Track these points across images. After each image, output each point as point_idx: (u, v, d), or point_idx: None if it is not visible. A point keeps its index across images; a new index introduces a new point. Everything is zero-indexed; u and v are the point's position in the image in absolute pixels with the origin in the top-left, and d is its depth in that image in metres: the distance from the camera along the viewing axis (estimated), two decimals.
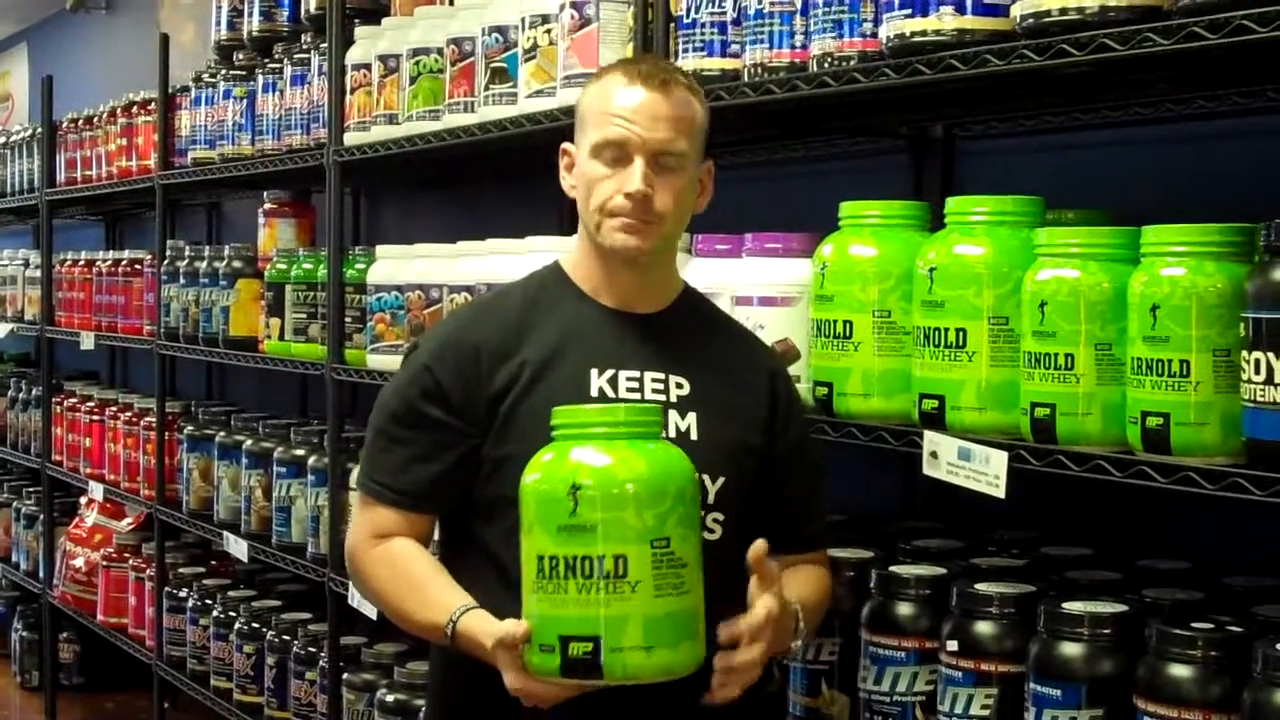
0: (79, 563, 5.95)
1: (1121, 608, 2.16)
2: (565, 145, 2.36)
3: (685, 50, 2.75)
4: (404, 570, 2.27)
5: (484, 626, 2.10)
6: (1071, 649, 2.11)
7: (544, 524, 1.99)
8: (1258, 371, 1.85)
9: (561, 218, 3.75)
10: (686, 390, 2.28)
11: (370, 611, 3.73)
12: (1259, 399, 1.85)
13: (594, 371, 2.25)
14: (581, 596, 1.95)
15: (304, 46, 4.36)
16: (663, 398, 2.26)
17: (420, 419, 2.28)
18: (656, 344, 2.31)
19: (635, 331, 2.31)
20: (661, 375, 2.28)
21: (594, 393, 2.24)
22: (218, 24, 5.03)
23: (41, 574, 6.43)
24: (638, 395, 2.25)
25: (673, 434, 2.23)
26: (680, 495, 2.00)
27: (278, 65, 4.48)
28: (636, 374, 2.27)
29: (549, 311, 2.31)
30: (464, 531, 2.30)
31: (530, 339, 2.28)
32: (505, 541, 2.13)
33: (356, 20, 4.07)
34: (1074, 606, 2.15)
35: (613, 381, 2.25)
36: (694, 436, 2.25)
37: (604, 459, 1.99)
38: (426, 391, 2.27)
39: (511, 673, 2.04)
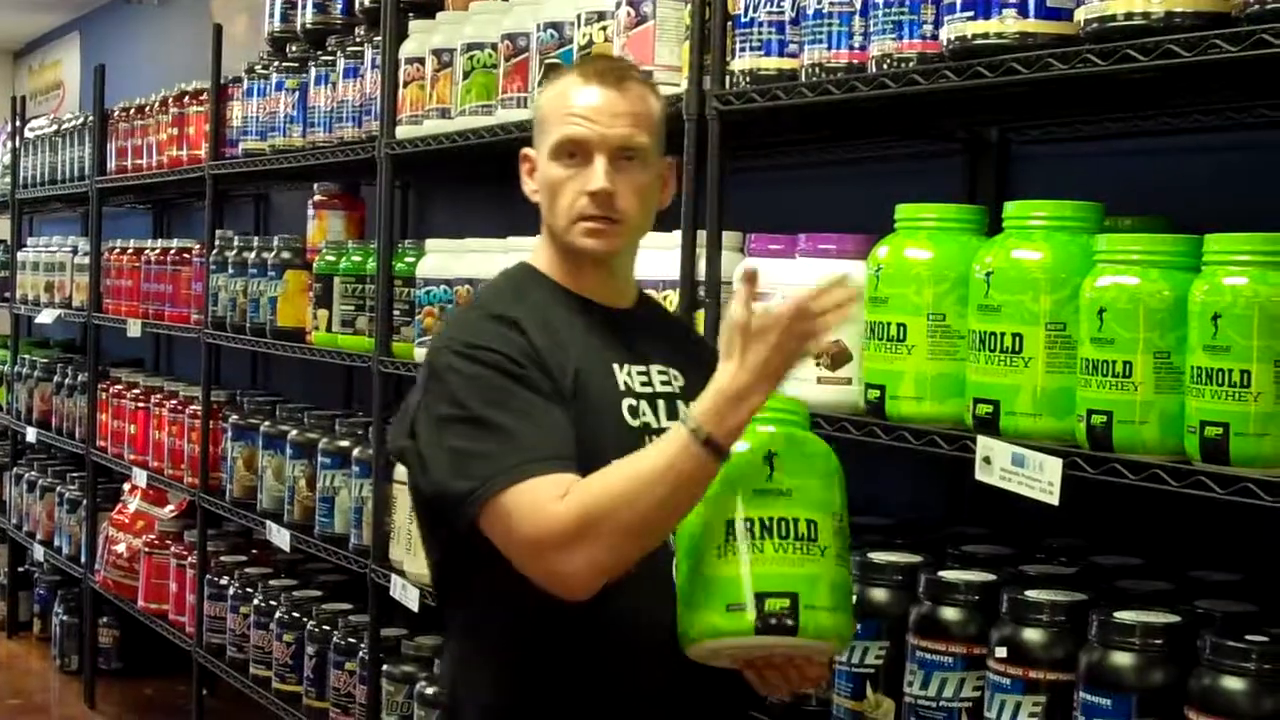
0: (121, 548, 5.99)
1: (1174, 618, 2.14)
2: (525, 151, 2.34)
3: (742, 49, 2.74)
4: (604, 472, 2.04)
5: (714, 380, 2.01)
6: (1123, 659, 2.10)
7: (737, 488, 2.05)
8: None
9: None
10: (681, 381, 2.29)
11: (412, 603, 3.75)
12: None
13: (615, 366, 2.25)
14: (779, 555, 2.02)
15: (357, 39, 4.38)
16: (669, 388, 2.27)
17: (519, 383, 2.11)
18: (645, 337, 2.31)
19: (627, 326, 2.31)
20: (662, 367, 2.29)
21: (621, 387, 2.23)
22: (271, 16, 5.05)
23: (83, 559, 6.47)
24: (650, 389, 2.25)
25: None
26: (841, 481, 2.13)
27: (331, 58, 4.50)
28: (643, 367, 2.27)
29: (554, 312, 2.25)
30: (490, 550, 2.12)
31: (559, 338, 2.20)
32: None
33: (411, 14, 4.09)
34: (1126, 616, 2.14)
35: (630, 375, 2.25)
36: None
37: (794, 435, 2.11)
38: (501, 366, 2.11)
39: (754, 316, 1.99)
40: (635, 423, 2.21)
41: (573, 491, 2.01)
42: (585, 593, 2.05)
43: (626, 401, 2.22)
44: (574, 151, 2.22)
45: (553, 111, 2.25)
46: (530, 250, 3.42)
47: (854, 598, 2.13)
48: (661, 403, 2.25)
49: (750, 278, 2.04)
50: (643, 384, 2.26)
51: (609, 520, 2.00)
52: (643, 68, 3.00)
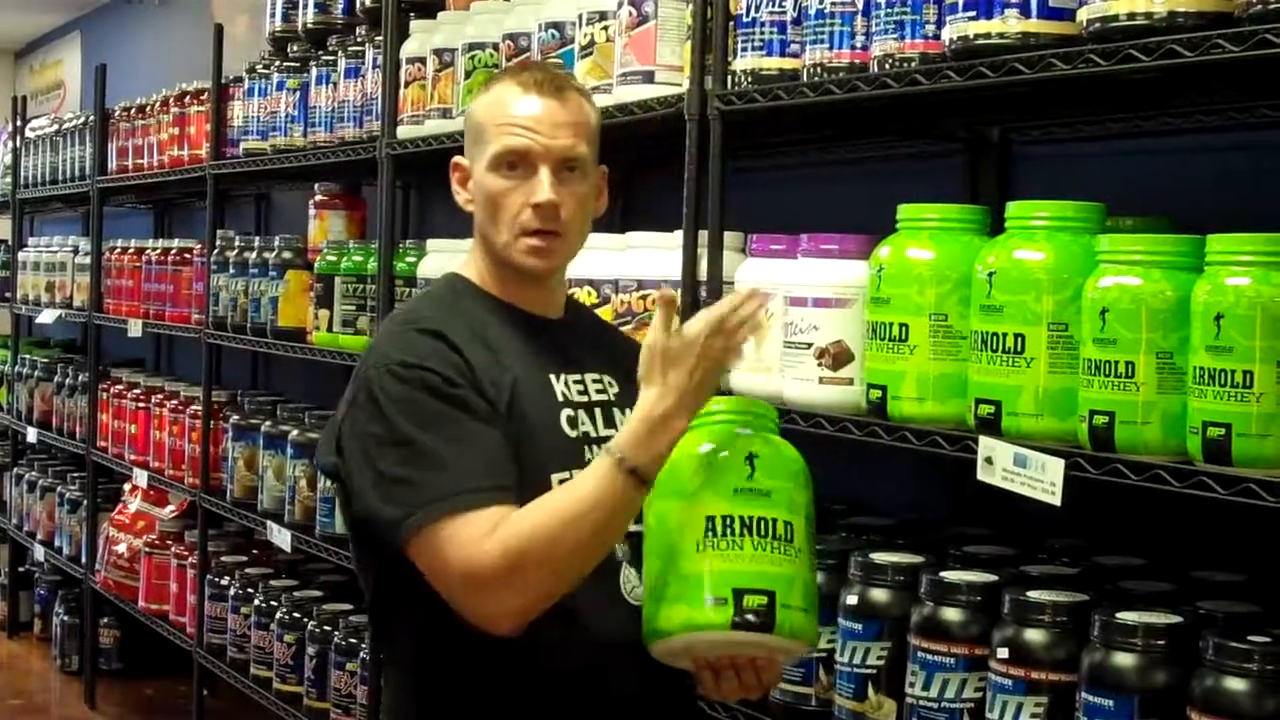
0: (121, 549, 5.98)
1: (1176, 619, 2.14)
2: (457, 159, 2.30)
3: (744, 49, 2.74)
4: (531, 507, 2.02)
5: (642, 410, 2.01)
6: (1125, 659, 2.10)
7: (717, 487, 2.08)
8: None
9: (613, 213, 3.74)
10: (617, 389, 2.28)
11: None
12: None
13: (552, 377, 2.22)
14: (757, 554, 2.05)
15: (358, 39, 4.38)
16: (604, 396, 2.26)
17: (450, 404, 2.06)
18: (579, 346, 2.30)
19: (561, 336, 2.29)
20: (596, 375, 2.28)
21: (559, 397, 2.21)
22: (272, 15, 5.05)
23: (84, 559, 6.47)
24: (586, 397, 2.24)
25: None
26: (811, 485, 2.17)
27: (332, 58, 4.50)
28: (579, 376, 2.26)
29: (489, 324, 2.21)
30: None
31: (494, 351, 2.16)
32: None
33: (412, 14, 4.09)
34: (1128, 616, 2.13)
35: (567, 385, 2.23)
36: None
37: (769, 439, 2.15)
38: (433, 386, 2.07)
39: (670, 338, 2.00)
40: (574, 433, 2.20)
41: (501, 529, 1.98)
42: (510, 631, 2.03)
43: (565, 412, 2.20)
44: (515, 163, 2.18)
45: (490, 120, 2.21)
46: None
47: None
48: (599, 411, 2.24)
49: (668, 301, 2.03)
50: (579, 393, 2.24)
51: (536, 561, 1.98)
52: (643, 67, 3.01)
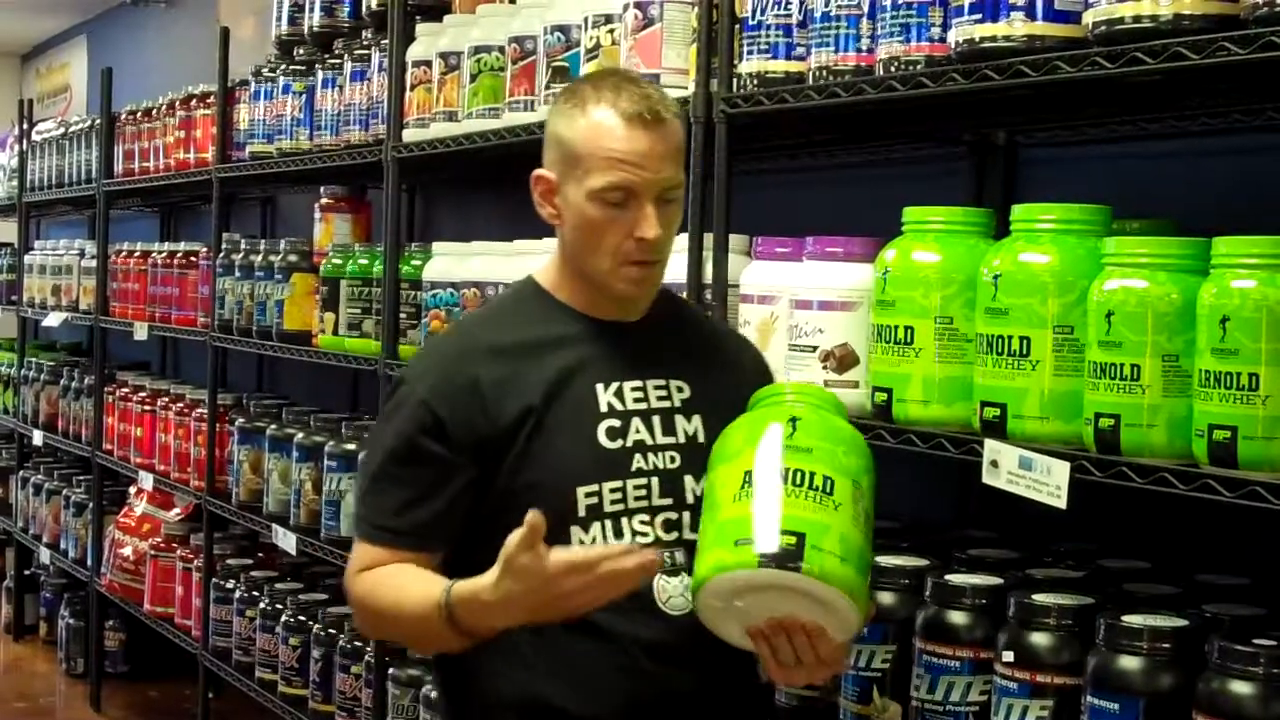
0: (127, 551, 5.98)
1: (1182, 622, 2.14)
2: (540, 173, 2.29)
3: (750, 52, 2.74)
4: (390, 575, 2.21)
5: (482, 588, 2.04)
6: (1130, 663, 2.10)
7: (757, 445, 2.10)
8: None
9: None
10: (687, 393, 2.29)
11: None
12: None
13: (599, 387, 2.25)
14: (791, 500, 2.04)
15: (364, 43, 4.38)
16: (667, 403, 2.27)
17: (419, 455, 2.21)
18: (649, 351, 2.30)
19: (628, 341, 2.29)
20: (662, 381, 2.28)
21: (603, 408, 2.23)
22: (278, 19, 5.05)
23: (89, 562, 6.48)
24: (644, 405, 2.26)
25: (682, 439, 2.25)
26: (872, 470, 2.16)
27: (338, 61, 4.50)
28: (639, 383, 2.27)
29: (543, 333, 2.28)
30: (481, 565, 2.12)
31: (530, 364, 2.24)
32: None
33: (418, 17, 4.09)
34: (1134, 620, 2.13)
35: (619, 394, 2.25)
36: (701, 439, 2.26)
37: (819, 411, 2.18)
38: (424, 427, 2.21)
39: (523, 555, 1.98)
40: (614, 444, 2.22)
41: (363, 575, 2.23)
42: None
43: (607, 423, 2.23)
44: (620, 199, 2.19)
45: (591, 150, 2.19)
46: (537, 253, 3.46)
47: (869, 578, 2.11)
48: (657, 419, 2.26)
49: (533, 525, 1.98)
50: (636, 400, 2.25)
51: (359, 615, 2.34)
52: (649, 71, 3.01)
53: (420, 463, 2.21)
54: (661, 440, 2.24)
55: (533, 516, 1.98)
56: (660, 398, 2.28)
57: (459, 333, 2.50)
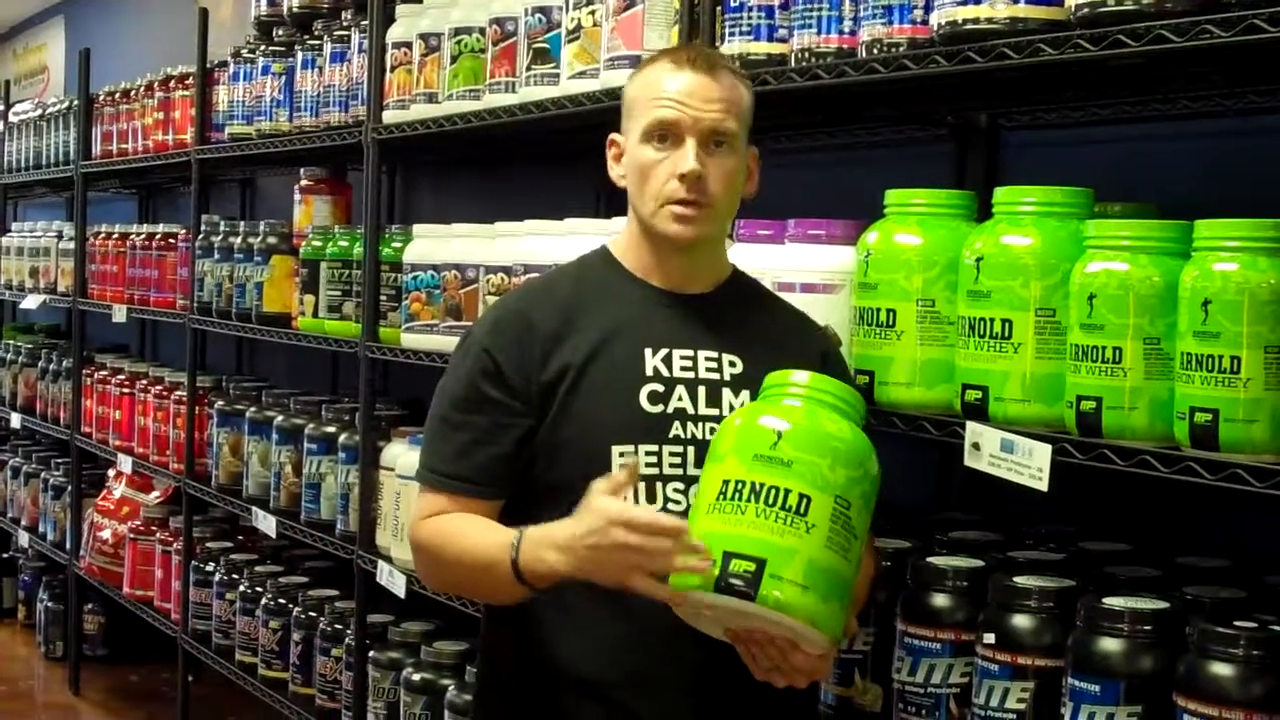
0: (106, 535, 5.97)
1: (1163, 604, 2.14)
2: (613, 136, 2.37)
3: (732, 34, 2.73)
4: (452, 520, 2.26)
5: (558, 525, 2.08)
6: (1111, 644, 2.10)
7: (740, 452, 2.06)
8: None
9: (599, 199, 3.74)
10: (739, 368, 2.30)
11: (398, 589, 3.74)
12: None
13: (648, 351, 2.28)
14: (758, 520, 2.01)
15: (344, 24, 4.36)
16: (716, 375, 2.28)
17: (481, 400, 2.27)
18: (707, 323, 2.32)
19: (686, 311, 2.32)
20: (714, 354, 2.30)
21: (649, 372, 2.26)
22: (257, 0, 5.03)
23: (68, 545, 6.46)
24: (691, 374, 2.27)
25: (726, 412, 2.25)
26: (869, 475, 2.10)
27: (317, 42, 4.48)
28: (690, 352, 2.29)
29: (600, 294, 2.33)
30: (522, 521, 2.20)
31: (582, 323, 2.29)
32: None
33: None
34: (1114, 602, 2.13)
35: (667, 360, 2.27)
36: None
37: (815, 414, 2.10)
38: (485, 371, 2.27)
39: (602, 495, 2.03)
40: (655, 409, 2.24)
41: (428, 521, 2.28)
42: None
43: (649, 387, 2.25)
44: (665, 134, 2.25)
45: (643, 96, 2.28)
46: (518, 235, 3.45)
47: (849, 597, 2.08)
48: (702, 389, 2.27)
49: (632, 470, 2.10)
50: (684, 369, 2.28)
51: (423, 564, 2.36)
52: (630, 52, 3.00)
53: (480, 408, 2.26)
54: (705, 411, 2.26)
55: (630, 461, 2.13)
56: (710, 369, 2.29)
57: (524, 289, 2.60)
